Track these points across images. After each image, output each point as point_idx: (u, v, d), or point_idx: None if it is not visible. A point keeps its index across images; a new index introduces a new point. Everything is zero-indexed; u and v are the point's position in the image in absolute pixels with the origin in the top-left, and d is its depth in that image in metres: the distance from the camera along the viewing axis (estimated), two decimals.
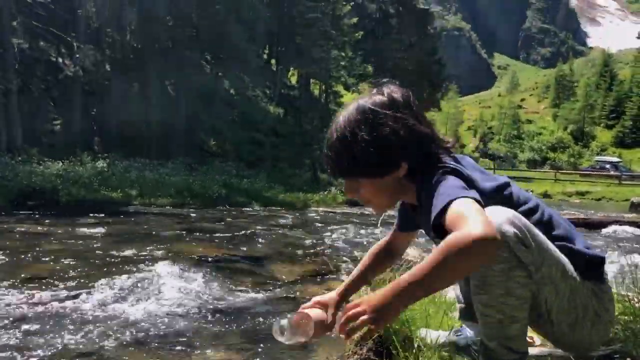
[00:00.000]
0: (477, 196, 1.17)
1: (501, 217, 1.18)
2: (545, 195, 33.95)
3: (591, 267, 1.30)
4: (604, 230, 10.04)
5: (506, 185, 1.36)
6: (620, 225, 10.26)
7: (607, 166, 44.68)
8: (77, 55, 20.10)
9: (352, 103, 1.43)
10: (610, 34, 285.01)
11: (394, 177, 1.38)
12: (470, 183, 1.25)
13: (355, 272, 1.77)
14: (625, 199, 27.57)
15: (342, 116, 1.40)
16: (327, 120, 37.71)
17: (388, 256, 1.80)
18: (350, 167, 1.39)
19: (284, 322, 1.42)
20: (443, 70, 49.69)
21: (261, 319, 3.53)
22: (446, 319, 2.03)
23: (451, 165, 1.29)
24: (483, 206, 1.15)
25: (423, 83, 46.33)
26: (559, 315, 1.28)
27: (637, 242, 8.59)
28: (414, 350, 1.65)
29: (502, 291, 1.21)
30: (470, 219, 1.07)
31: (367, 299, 1.18)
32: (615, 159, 49.14)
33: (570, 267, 1.27)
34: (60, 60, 23.21)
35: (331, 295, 1.65)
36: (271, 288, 4.43)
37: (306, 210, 15.89)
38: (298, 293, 4.30)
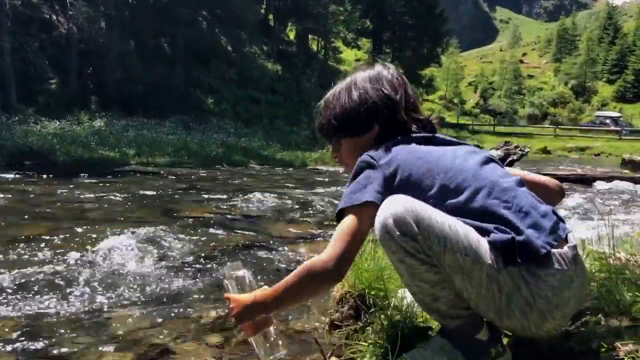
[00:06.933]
0: (367, 196, 1.31)
1: (387, 211, 1.23)
2: (545, 151, 33.87)
3: (510, 252, 1.17)
4: (599, 186, 10.17)
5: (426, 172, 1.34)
6: (609, 182, 10.42)
7: (608, 121, 44.43)
8: (71, 12, 19.73)
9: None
10: None
11: (369, 137, 1.51)
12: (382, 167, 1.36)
13: None
14: (625, 154, 27.52)
15: (334, 86, 1.61)
16: (325, 77, 37.40)
17: None
18: (334, 126, 1.57)
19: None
20: (444, 25, 48.62)
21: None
22: None
23: (397, 140, 1.42)
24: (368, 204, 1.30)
25: (423, 38, 45.63)
26: (480, 304, 1.23)
27: (629, 197, 8.68)
28: (389, 309, 1.72)
29: (407, 276, 1.27)
30: (330, 249, 1.30)
31: (240, 299, 1.42)
32: (615, 114, 48.79)
33: (484, 253, 1.18)
34: (54, 17, 22.79)
35: None
36: (266, 248, 4.50)
37: (304, 168, 15.95)
38: (292, 252, 4.38)
